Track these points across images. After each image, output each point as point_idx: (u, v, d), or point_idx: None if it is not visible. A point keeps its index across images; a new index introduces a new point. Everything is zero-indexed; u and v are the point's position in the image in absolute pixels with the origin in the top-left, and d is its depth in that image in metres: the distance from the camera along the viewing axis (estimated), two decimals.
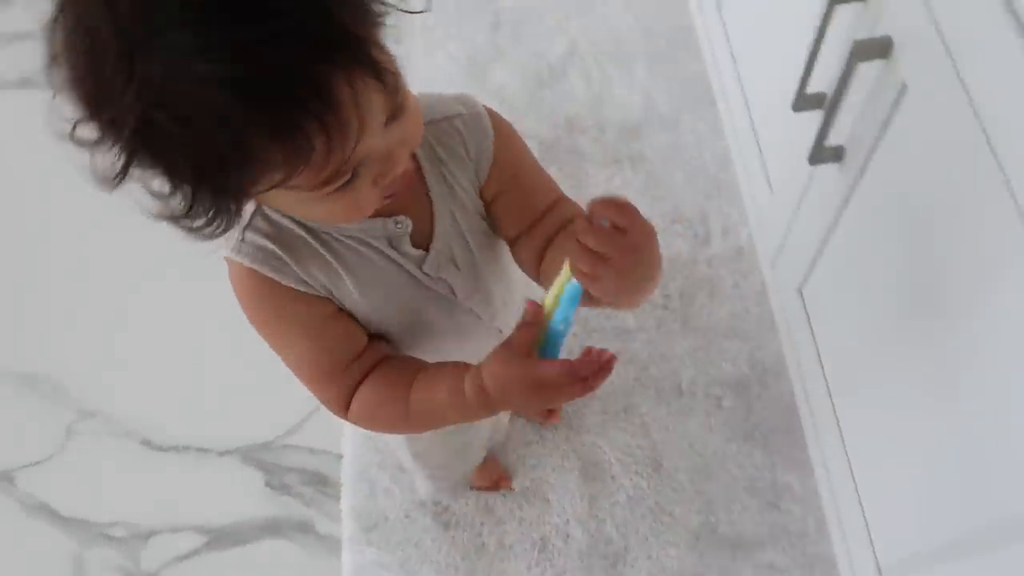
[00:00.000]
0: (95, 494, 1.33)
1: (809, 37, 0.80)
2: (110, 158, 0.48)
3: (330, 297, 0.66)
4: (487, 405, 0.62)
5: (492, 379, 0.60)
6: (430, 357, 0.75)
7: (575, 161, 1.43)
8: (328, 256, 0.65)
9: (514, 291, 0.84)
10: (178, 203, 0.50)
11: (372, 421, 0.71)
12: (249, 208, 0.63)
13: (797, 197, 0.97)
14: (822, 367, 1.00)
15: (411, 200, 0.66)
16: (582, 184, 1.41)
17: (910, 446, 0.81)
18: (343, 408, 0.70)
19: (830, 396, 0.99)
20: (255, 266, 0.63)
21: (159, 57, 0.43)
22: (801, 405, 1.12)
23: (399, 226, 0.65)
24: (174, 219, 0.52)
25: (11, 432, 1.38)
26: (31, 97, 1.68)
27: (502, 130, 0.69)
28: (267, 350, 1.40)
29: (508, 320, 0.83)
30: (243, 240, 0.63)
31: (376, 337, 0.71)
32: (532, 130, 1.45)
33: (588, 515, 1.16)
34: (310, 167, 0.48)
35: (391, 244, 0.66)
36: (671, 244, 1.35)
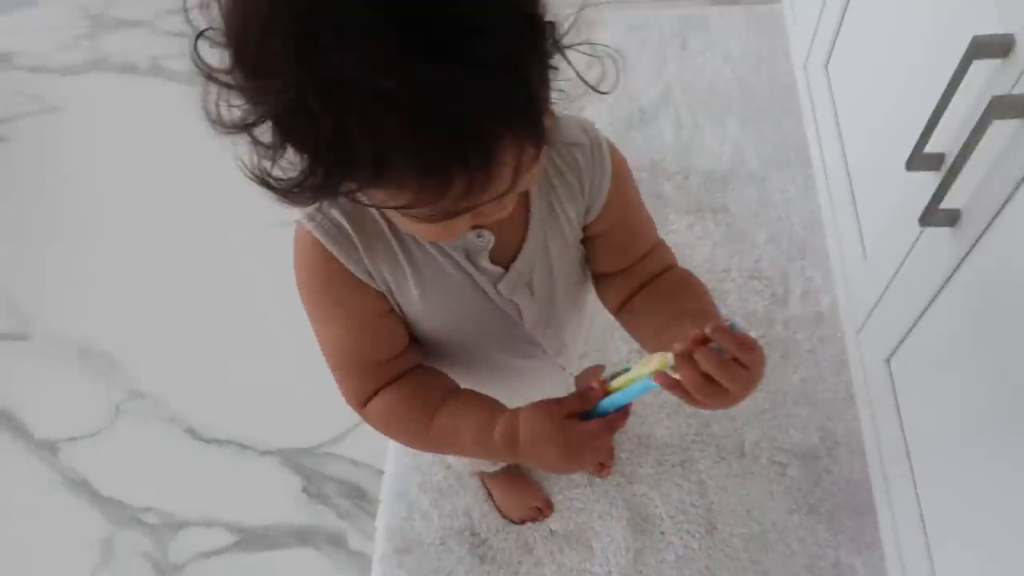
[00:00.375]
0: (134, 476, 1.31)
1: (931, 93, 0.76)
2: (233, 106, 0.45)
3: (387, 294, 0.64)
4: (512, 452, 0.61)
5: (528, 429, 0.59)
6: (474, 374, 0.72)
7: (656, 205, 1.40)
8: (400, 252, 0.62)
9: (585, 331, 0.80)
10: (270, 155, 0.48)
11: (387, 426, 0.69)
12: None
13: (897, 262, 0.92)
14: (906, 445, 0.94)
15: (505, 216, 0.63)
16: (661, 229, 1.36)
17: (1004, 543, 0.75)
18: (360, 403, 0.68)
19: (912, 477, 0.92)
20: (324, 240, 0.61)
21: (346, 52, 0.40)
22: (876, 484, 1.05)
23: (480, 239, 0.63)
24: (264, 175, 0.49)
25: (63, 403, 1.39)
26: (131, 82, 1.74)
27: (619, 170, 0.67)
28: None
29: (572, 359, 0.80)
30: (319, 210, 0.61)
31: (414, 342, 0.69)
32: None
33: (632, 569, 1.10)
34: (432, 206, 0.46)
35: (468, 256, 0.64)
36: (748, 300, 1.30)
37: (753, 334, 1.26)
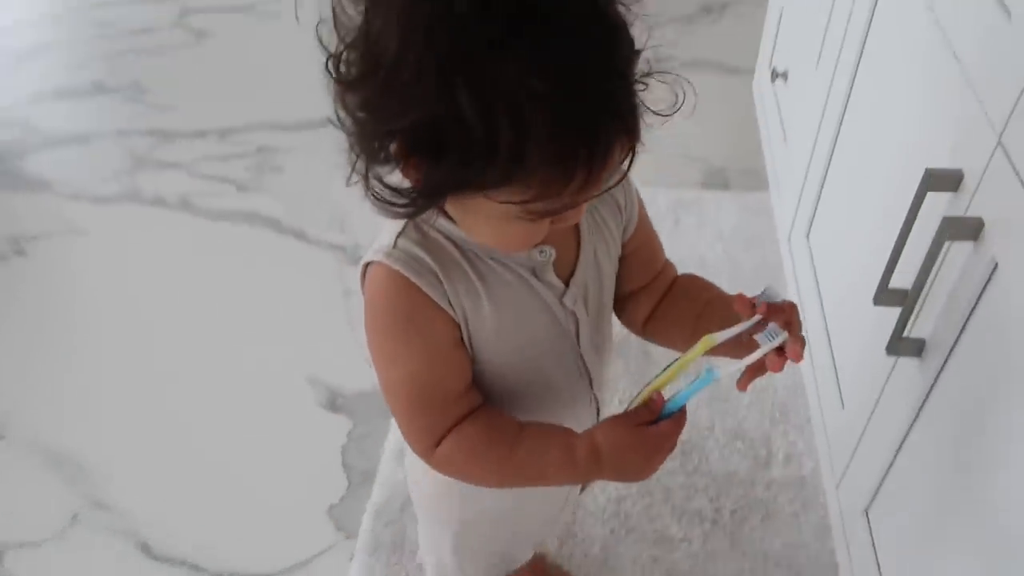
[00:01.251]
0: None
1: (894, 231, 0.81)
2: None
3: (462, 324, 0.66)
4: (596, 468, 0.65)
5: (609, 443, 0.64)
6: (529, 405, 0.73)
7: (643, 361, 1.42)
8: (472, 274, 0.65)
9: (611, 368, 0.82)
10: (368, 167, 0.55)
11: (467, 461, 0.68)
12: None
13: (871, 404, 0.93)
14: None
15: (558, 231, 0.67)
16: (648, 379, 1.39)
17: None
18: (431, 444, 0.68)
19: None
20: (407, 272, 0.63)
21: (503, 60, 0.48)
22: None
23: (543, 255, 0.67)
24: (370, 179, 0.56)
25: (22, 507, 1.34)
26: (158, 214, 1.85)
27: (637, 189, 0.75)
28: (295, 479, 1.37)
29: (604, 395, 0.82)
30: (396, 246, 0.64)
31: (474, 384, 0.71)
32: None
33: None
34: (550, 200, 0.53)
35: (533, 273, 0.67)
36: (729, 460, 1.29)
37: (734, 493, 1.24)
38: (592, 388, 0.78)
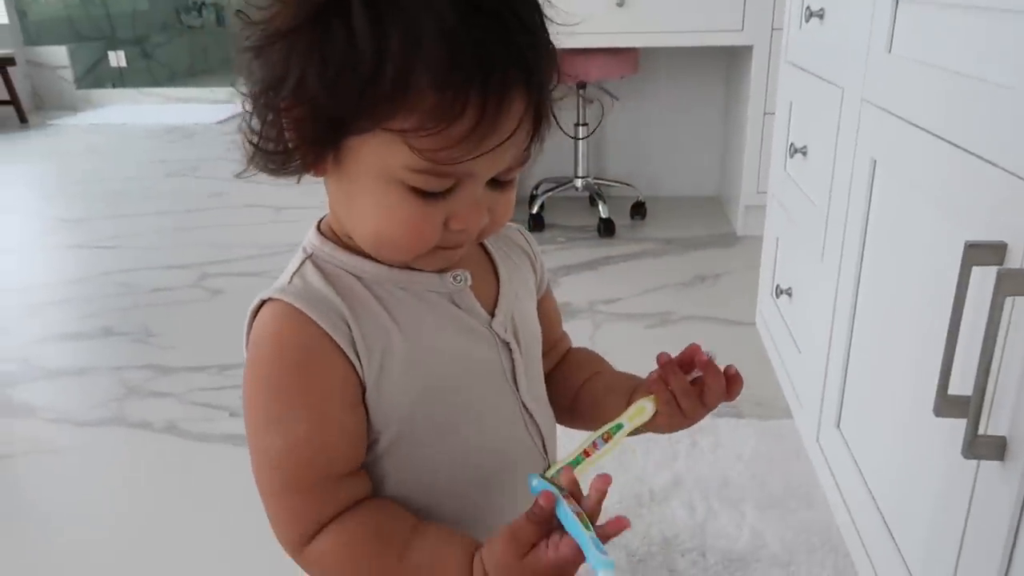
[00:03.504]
0: None
1: (938, 345, 0.75)
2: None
3: (367, 376, 0.56)
4: None
5: (496, 571, 0.53)
6: (458, 465, 0.61)
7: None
8: (380, 308, 0.57)
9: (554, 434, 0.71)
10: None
11: (342, 566, 0.55)
12: (298, 258, 0.60)
13: (953, 556, 0.78)
14: None
15: (473, 265, 0.63)
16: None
17: None
18: (304, 535, 0.55)
19: None
20: (306, 307, 0.55)
21: None
22: None
23: (458, 280, 0.60)
24: (257, 137, 0.53)
25: None
26: (141, 436, 1.75)
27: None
28: None
29: (555, 456, 0.70)
30: (292, 282, 0.58)
31: (365, 470, 0.59)
32: (623, 541, 1.31)
33: None
34: (439, 136, 0.48)
35: (453, 301, 0.61)
36: None
37: None
38: (546, 453, 0.66)
